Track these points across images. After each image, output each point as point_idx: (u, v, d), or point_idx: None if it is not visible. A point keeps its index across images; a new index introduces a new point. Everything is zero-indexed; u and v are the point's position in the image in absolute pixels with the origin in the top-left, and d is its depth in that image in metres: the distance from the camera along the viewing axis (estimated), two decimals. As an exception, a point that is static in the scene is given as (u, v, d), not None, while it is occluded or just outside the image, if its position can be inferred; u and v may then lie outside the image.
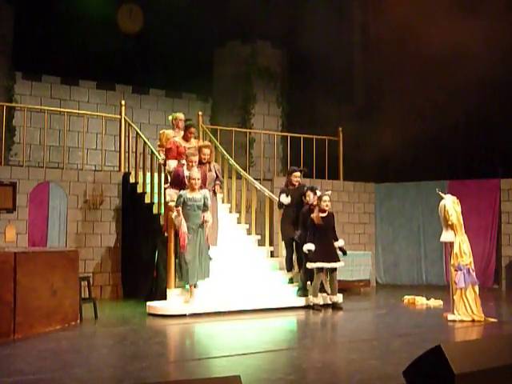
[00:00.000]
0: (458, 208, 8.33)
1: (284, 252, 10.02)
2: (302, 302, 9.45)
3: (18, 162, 11.62)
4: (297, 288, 9.66)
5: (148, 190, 10.53)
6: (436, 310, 9.56)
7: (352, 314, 9.32)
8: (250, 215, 10.98)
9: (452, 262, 8.27)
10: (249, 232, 10.83)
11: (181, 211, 8.74)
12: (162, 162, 9.97)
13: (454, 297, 8.21)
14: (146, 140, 10.91)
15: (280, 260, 10.28)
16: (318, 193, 9.63)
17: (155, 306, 8.76)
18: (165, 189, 9.56)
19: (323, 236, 9.37)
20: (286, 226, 9.86)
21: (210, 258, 9.06)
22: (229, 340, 7.25)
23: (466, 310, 8.15)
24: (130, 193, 10.95)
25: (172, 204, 8.93)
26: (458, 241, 8.24)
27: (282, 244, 10.09)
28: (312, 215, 9.39)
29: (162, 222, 9.66)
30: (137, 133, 11.18)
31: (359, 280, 11.95)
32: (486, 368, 4.42)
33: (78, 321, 7.98)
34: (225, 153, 11.52)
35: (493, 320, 8.19)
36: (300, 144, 13.14)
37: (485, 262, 12.66)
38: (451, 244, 8.30)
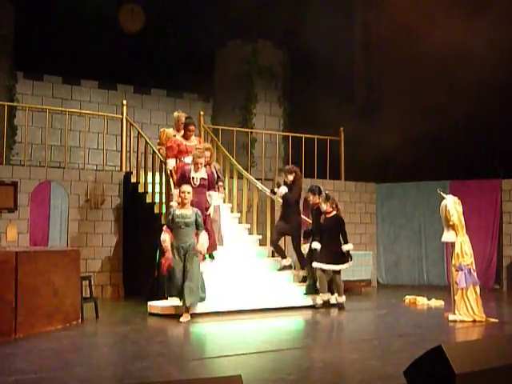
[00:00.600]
0: (460, 208, 8.32)
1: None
2: (302, 301, 9.45)
3: (20, 161, 11.63)
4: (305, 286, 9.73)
5: (149, 189, 10.54)
6: (437, 310, 9.56)
7: (353, 313, 9.32)
8: (251, 215, 10.99)
9: (453, 262, 8.26)
10: (250, 232, 10.84)
11: (169, 231, 8.29)
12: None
13: (455, 297, 8.21)
14: (148, 140, 10.92)
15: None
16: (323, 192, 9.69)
17: (156, 305, 8.75)
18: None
19: (326, 237, 9.40)
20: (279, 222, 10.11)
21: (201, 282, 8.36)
22: (230, 340, 7.25)
23: (467, 310, 8.14)
24: (131, 192, 10.95)
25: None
26: (460, 241, 8.23)
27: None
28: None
29: (163, 222, 9.65)
30: (138, 132, 11.19)
31: (360, 280, 11.95)
32: (487, 368, 4.42)
33: (79, 320, 7.98)
34: (226, 153, 11.53)
35: (494, 320, 8.18)
36: (301, 144, 13.14)
37: (486, 262, 12.66)
38: (452, 244, 8.30)
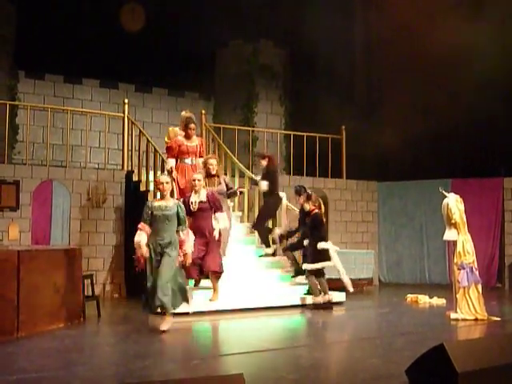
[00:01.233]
0: (462, 206, 8.32)
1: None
2: (303, 300, 9.44)
3: (22, 160, 11.64)
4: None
5: (151, 188, 10.53)
6: (439, 308, 9.56)
7: (355, 312, 9.32)
8: (252, 214, 10.98)
9: (455, 260, 8.26)
10: (251, 231, 10.83)
11: (146, 228, 7.25)
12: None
13: (457, 295, 8.20)
14: (149, 138, 10.92)
15: (283, 258, 10.27)
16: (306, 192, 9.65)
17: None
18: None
19: (310, 236, 9.36)
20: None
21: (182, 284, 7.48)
22: (231, 338, 7.26)
23: (469, 308, 8.14)
24: (133, 191, 10.95)
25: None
26: (461, 239, 8.23)
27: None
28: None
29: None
30: (140, 131, 11.20)
31: (362, 278, 11.93)
32: (488, 366, 4.43)
33: (81, 319, 8.00)
34: (228, 151, 11.53)
35: (496, 319, 8.19)
36: (303, 142, 13.15)
37: (488, 260, 12.66)
38: (454, 242, 8.29)
